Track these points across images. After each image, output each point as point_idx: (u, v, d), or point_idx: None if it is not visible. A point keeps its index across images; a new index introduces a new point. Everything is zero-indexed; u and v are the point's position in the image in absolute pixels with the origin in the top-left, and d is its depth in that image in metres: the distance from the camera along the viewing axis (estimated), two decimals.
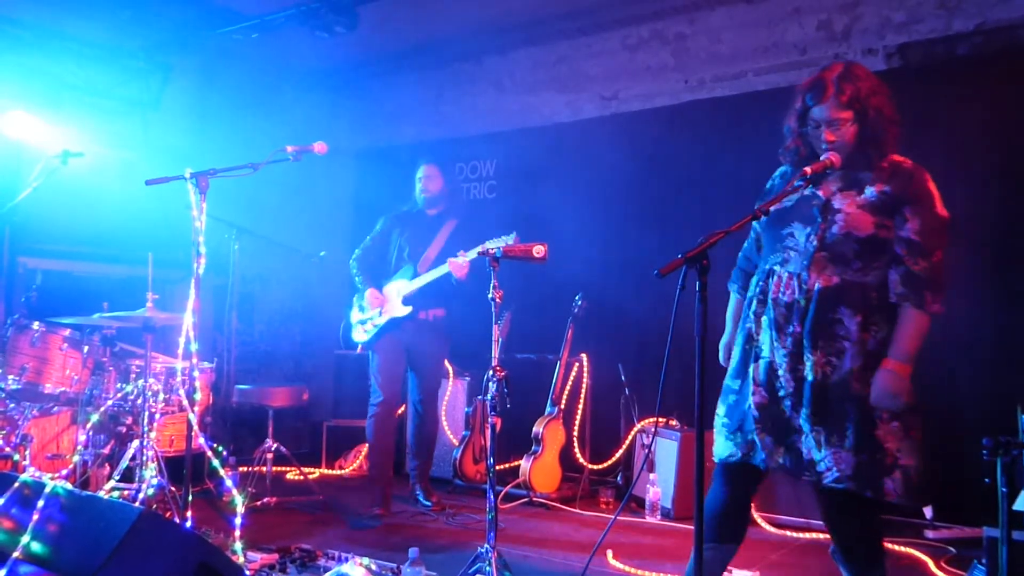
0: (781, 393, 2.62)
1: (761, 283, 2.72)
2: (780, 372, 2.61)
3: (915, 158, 2.68)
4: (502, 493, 5.23)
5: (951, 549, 4.28)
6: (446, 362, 5.96)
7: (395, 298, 4.90)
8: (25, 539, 2.68)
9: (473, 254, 4.39)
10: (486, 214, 6.70)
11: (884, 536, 2.77)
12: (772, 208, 2.71)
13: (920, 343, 2.55)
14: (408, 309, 4.83)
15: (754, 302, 2.73)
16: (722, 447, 2.74)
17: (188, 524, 3.37)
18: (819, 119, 2.62)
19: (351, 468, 6.27)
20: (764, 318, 2.67)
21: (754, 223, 2.89)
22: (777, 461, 2.61)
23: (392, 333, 4.91)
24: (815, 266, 2.59)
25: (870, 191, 2.59)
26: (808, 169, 2.56)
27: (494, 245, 4.12)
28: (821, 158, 2.61)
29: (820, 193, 2.65)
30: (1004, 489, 2.56)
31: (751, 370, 2.69)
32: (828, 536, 4.35)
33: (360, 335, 5.04)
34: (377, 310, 4.92)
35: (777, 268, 2.67)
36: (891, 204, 2.57)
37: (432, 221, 5.06)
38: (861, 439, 2.53)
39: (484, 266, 3.50)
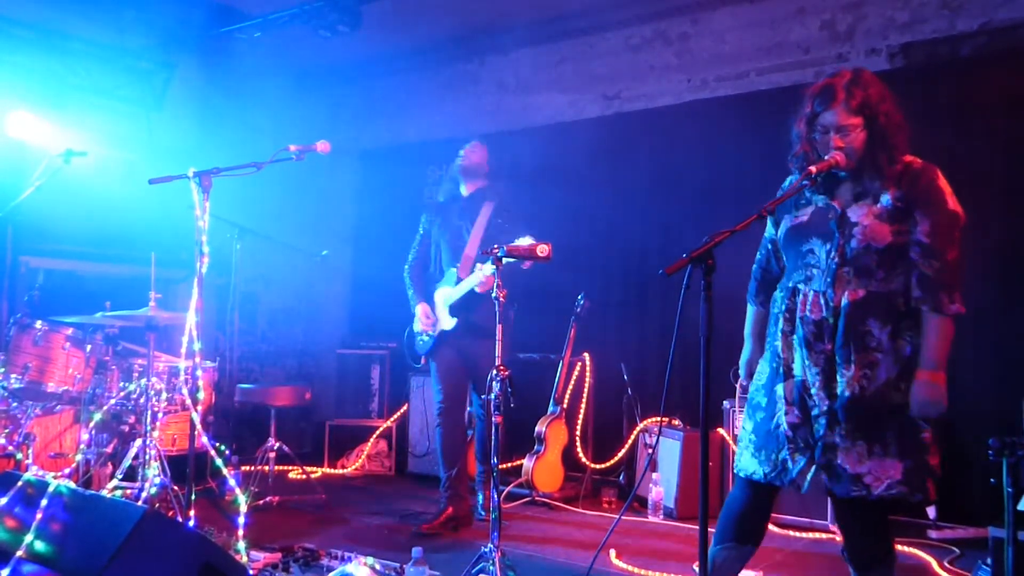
0: (815, 412, 2.60)
1: (787, 301, 2.70)
2: (813, 391, 2.60)
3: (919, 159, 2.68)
4: (504, 492, 5.23)
5: (955, 549, 4.28)
6: None
7: (442, 309, 4.66)
8: (29, 538, 2.68)
9: (488, 268, 4.22)
10: None
11: (892, 536, 2.77)
12: (787, 223, 2.71)
13: (948, 347, 2.54)
14: (454, 321, 4.59)
15: (780, 320, 2.71)
16: (748, 463, 2.72)
17: (191, 523, 3.37)
18: (828, 125, 2.60)
19: (353, 467, 6.27)
20: (793, 337, 2.66)
21: (768, 235, 2.89)
22: (807, 480, 2.59)
23: (447, 342, 4.68)
24: (839, 282, 2.58)
25: (885, 199, 2.58)
26: (813, 168, 2.55)
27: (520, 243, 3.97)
28: (825, 157, 2.60)
29: (836, 205, 2.64)
30: (1010, 489, 2.56)
31: (781, 389, 2.67)
32: (831, 535, 4.38)
33: (420, 344, 4.80)
34: (431, 324, 4.69)
35: (801, 286, 2.66)
36: (904, 209, 2.56)
37: (467, 206, 4.70)
38: (906, 445, 2.53)
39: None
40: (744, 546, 2.73)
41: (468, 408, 5.06)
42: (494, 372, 3.46)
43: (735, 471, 2.79)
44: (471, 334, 4.57)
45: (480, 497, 4.89)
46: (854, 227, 2.58)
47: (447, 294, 4.65)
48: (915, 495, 2.53)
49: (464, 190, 4.77)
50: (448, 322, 4.61)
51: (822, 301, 2.60)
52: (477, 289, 4.40)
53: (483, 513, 4.80)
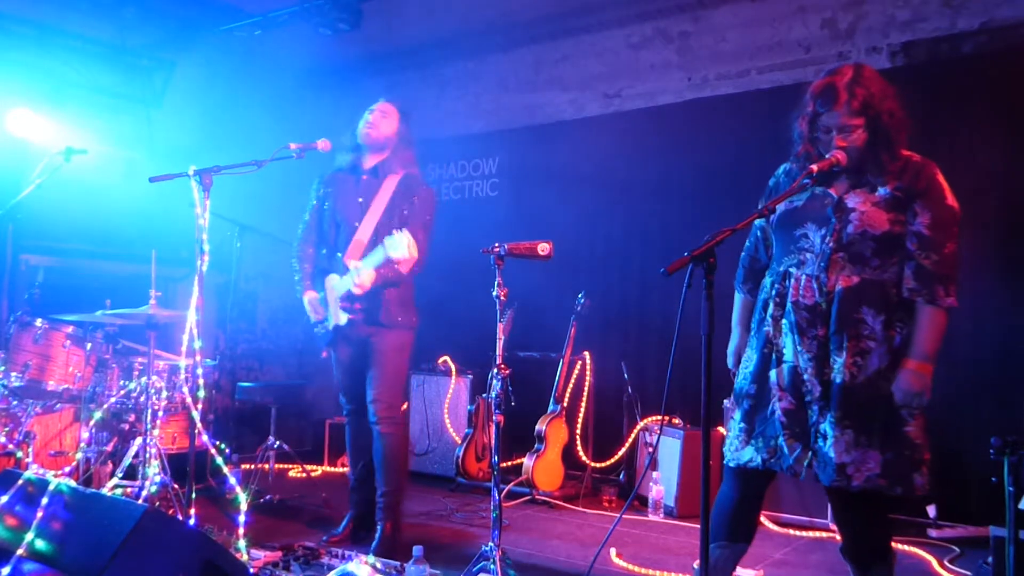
0: (808, 398, 2.61)
1: (777, 285, 2.70)
2: (806, 376, 2.60)
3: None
4: (505, 491, 5.23)
5: (955, 548, 4.27)
6: (448, 360, 5.98)
7: (333, 301, 3.99)
8: (29, 537, 2.68)
9: (367, 271, 3.73)
10: (488, 212, 6.70)
11: (891, 534, 2.78)
12: (781, 208, 2.71)
13: (939, 339, 2.56)
14: (347, 317, 3.93)
15: (770, 305, 2.70)
16: (740, 452, 2.71)
17: (191, 522, 3.37)
18: (830, 125, 2.61)
19: None
20: (784, 322, 2.66)
21: (757, 221, 2.88)
22: (803, 466, 2.60)
23: (346, 334, 4.03)
24: (833, 267, 2.58)
25: (883, 189, 2.59)
26: (814, 167, 2.55)
27: (393, 247, 3.54)
28: (827, 156, 2.60)
29: (832, 192, 2.65)
30: (1011, 488, 2.55)
31: (773, 375, 2.67)
32: (832, 535, 4.38)
33: (317, 337, 4.18)
34: (322, 316, 4.06)
35: (793, 270, 2.66)
36: (903, 200, 2.58)
37: (367, 183, 4.02)
38: (888, 437, 2.53)
39: (487, 263, 3.49)
40: (736, 544, 2.74)
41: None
42: (495, 370, 3.46)
43: (725, 462, 2.78)
44: (374, 320, 3.94)
45: (379, 527, 3.95)
46: (851, 212, 2.58)
47: (335, 284, 3.97)
48: (895, 488, 2.53)
49: (367, 160, 4.07)
50: (340, 317, 3.95)
51: (815, 285, 2.60)
52: (355, 291, 3.80)
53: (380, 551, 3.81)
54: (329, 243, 4.10)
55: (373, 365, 3.99)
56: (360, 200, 4.01)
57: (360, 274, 3.75)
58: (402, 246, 3.53)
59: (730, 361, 2.96)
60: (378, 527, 3.96)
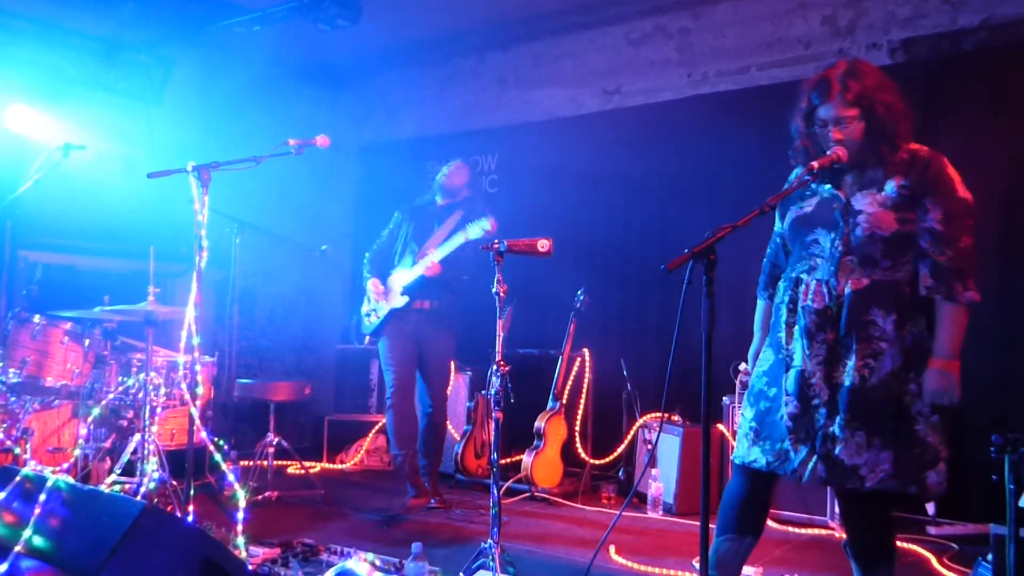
0: (815, 402, 2.59)
1: (790, 291, 2.69)
2: (813, 381, 2.58)
3: None
4: (504, 488, 5.22)
5: (954, 546, 4.27)
6: None
7: (396, 289, 4.87)
8: (27, 533, 2.68)
9: (440, 254, 4.67)
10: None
11: (895, 532, 2.77)
12: (793, 214, 2.70)
13: (962, 336, 2.53)
14: (405, 299, 4.82)
15: (783, 310, 2.69)
16: (747, 451, 2.70)
17: (190, 518, 3.37)
18: (826, 118, 2.59)
19: (352, 462, 6.27)
20: (795, 327, 2.65)
21: (777, 229, 2.88)
22: (808, 470, 2.58)
23: (397, 323, 4.89)
24: (843, 271, 2.57)
25: (890, 187, 2.57)
26: (815, 164, 2.55)
27: (473, 230, 4.47)
28: (827, 152, 2.59)
29: (840, 194, 2.63)
30: (1012, 486, 2.54)
31: (783, 380, 2.66)
32: (831, 532, 4.38)
33: (366, 325, 5.02)
34: (380, 301, 4.92)
35: (804, 276, 2.65)
36: (912, 197, 2.55)
37: (440, 212, 5.00)
38: (899, 437, 2.52)
39: (488, 260, 3.48)
40: (744, 538, 2.72)
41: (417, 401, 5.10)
42: (494, 367, 3.45)
43: (733, 459, 2.77)
44: (429, 321, 4.86)
45: (427, 484, 5.03)
46: (859, 215, 2.57)
47: (402, 276, 4.87)
48: (908, 488, 2.52)
49: (440, 201, 5.04)
50: (399, 300, 4.84)
51: (825, 290, 2.59)
52: (424, 273, 4.71)
53: (432, 502, 4.91)
54: (400, 255, 4.98)
55: (430, 362, 4.94)
56: (431, 224, 4.94)
57: (431, 260, 4.70)
58: (478, 228, 4.46)
59: (750, 364, 2.95)
60: (426, 484, 4.98)
